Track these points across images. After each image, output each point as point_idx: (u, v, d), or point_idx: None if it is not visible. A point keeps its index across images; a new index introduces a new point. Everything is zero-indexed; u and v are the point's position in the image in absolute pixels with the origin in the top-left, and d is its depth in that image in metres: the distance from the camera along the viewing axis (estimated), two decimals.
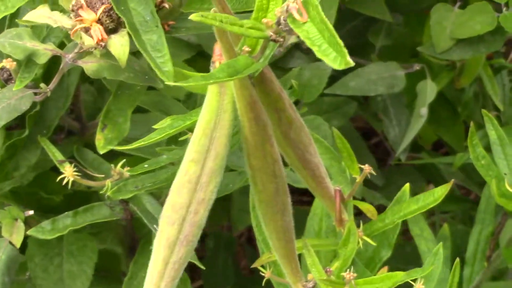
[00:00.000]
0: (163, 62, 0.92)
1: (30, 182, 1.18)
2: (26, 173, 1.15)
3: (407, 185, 1.07)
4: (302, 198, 1.87)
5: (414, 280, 0.94)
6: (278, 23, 0.77)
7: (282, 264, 0.91)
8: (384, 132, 1.71)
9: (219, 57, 0.85)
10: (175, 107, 1.16)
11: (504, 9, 1.43)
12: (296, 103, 1.46)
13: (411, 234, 1.37)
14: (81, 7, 0.94)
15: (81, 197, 1.23)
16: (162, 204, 1.10)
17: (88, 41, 0.94)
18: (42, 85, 1.04)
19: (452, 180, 0.99)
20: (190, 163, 0.81)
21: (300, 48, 1.57)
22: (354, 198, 1.01)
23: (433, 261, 1.03)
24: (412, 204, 0.98)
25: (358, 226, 0.97)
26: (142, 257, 1.19)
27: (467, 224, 1.65)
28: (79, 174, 1.05)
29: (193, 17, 0.74)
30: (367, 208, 0.94)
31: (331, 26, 0.73)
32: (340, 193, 0.93)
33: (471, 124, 1.16)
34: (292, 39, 1.38)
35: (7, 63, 1.02)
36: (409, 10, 1.72)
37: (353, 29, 1.74)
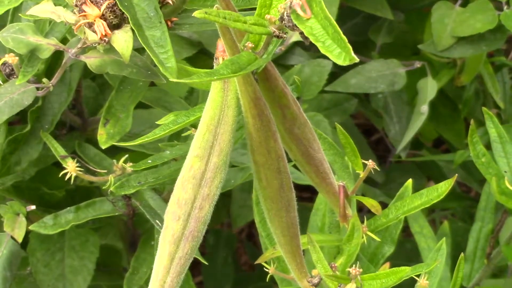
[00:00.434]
0: (166, 58, 0.92)
1: (32, 177, 1.18)
2: (28, 168, 1.15)
3: (410, 181, 1.07)
4: (302, 195, 1.87)
5: (416, 277, 0.95)
6: (282, 19, 0.76)
7: (287, 260, 0.91)
8: (385, 129, 1.71)
9: (222, 53, 0.85)
10: (177, 104, 1.16)
11: (505, 7, 1.43)
12: (296, 99, 1.46)
13: (411, 231, 1.38)
14: (85, 2, 0.94)
15: (83, 193, 1.23)
16: (164, 199, 1.10)
17: (91, 37, 0.94)
18: (44, 80, 1.04)
19: (456, 175, 0.99)
20: (194, 159, 0.81)
21: (300, 45, 1.57)
22: (356, 194, 1.01)
23: (436, 257, 1.02)
24: (416, 200, 0.97)
25: (362, 222, 0.96)
26: (143, 253, 1.19)
27: (467, 222, 1.65)
28: (81, 169, 1.05)
29: (196, 14, 0.74)
30: (371, 204, 0.94)
31: (334, 23, 0.73)
32: (344, 189, 0.93)
33: (472, 121, 1.16)
34: (292, 39, 1.39)
35: (10, 58, 1.02)
36: (410, 8, 1.72)
37: (354, 26, 1.74)
